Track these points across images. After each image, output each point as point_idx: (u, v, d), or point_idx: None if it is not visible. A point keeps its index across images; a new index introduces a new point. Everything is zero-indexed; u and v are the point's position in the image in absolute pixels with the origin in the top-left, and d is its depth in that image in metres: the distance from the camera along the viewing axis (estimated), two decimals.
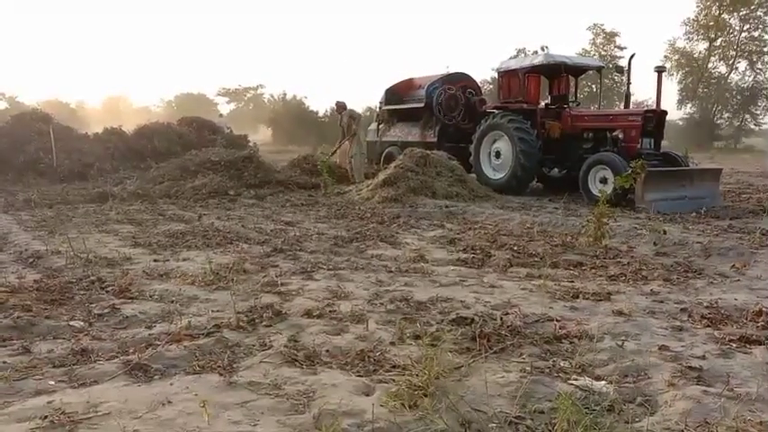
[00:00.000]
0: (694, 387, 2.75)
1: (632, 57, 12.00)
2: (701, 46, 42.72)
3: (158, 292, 4.41)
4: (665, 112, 11.35)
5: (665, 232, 6.96)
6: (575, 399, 2.55)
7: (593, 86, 35.34)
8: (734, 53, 41.82)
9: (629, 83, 12.40)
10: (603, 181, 10.43)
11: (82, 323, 3.70)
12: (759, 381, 2.78)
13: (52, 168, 13.11)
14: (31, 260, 5.52)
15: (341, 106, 14.23)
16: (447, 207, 9.47)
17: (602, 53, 43.73)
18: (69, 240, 5.88)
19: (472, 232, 7.25)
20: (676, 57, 42.91)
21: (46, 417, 2.40)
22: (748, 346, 3.32)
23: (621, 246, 6.43)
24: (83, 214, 8.77)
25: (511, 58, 17.65)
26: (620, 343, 3.33)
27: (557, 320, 3.76)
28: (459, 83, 14.45)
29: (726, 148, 36.09)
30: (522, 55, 34.11)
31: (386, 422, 2.38)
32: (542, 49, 36.75)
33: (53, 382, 2.79)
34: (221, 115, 26.54)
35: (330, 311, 3.93)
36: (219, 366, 2.98)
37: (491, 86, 32.73)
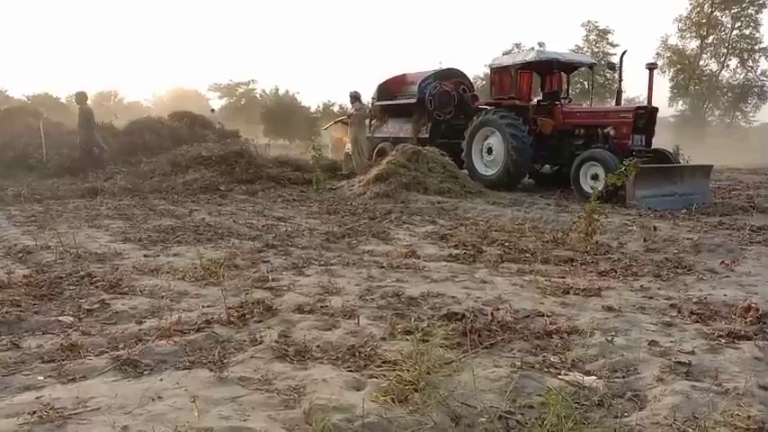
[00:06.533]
0: (683, 382, 2.77)
1: (624, 53, 12.07)
2: (693, 43, 43.02)
3: (148, 287, 4.39)
4: (657, 109, 11.40)
5: (655, 229, 7.00)
6: (564, 394, 2.56)
7: (585, 83, 35.46)
8: (725, 51, 42.09)
9: (620, 80, 12.45)
10: (595, 177, 10.47)
11: (71, 318, 3.67)
12: (747, 376, 2.80)
13: (42, 163, 13.02)
14: (20, 255, 5.49)
15: (354, 97, 14.24)
16: (439, 203, 9.48)
17: (595, 50, 43.87)
18: (59, 235, 5.85)
19: (464, 228, 7.26)
20: (668, 54, 43.17)
21: (35, 412, 2.39)
22: (737, 341, 3.34)
23: (612, 242, 6.46)
24: (73, 209, 8.72)
25: (504, 55, 17.63)
26: (609, 338, 3.34)
27: (547, 316, 3.77)
28: (452, 79, 14.45)
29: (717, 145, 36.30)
30: (516, 51, 34.15)
31: (376, 417, 2.38)
32: (539, 45, 36.83)
33: (42, 378, 2.78)
34: (213, 110, 26.45)
35: (321, 307, 3.92)
36: (210, 362, 2.98)
37: (484, 83, 32.75)
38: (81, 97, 13.30)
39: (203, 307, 3.91)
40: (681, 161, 13.45)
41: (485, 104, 13.31)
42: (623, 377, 2.87)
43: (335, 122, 15.39)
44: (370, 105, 15.49)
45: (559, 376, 2.85)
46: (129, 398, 2.55)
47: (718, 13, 41.40)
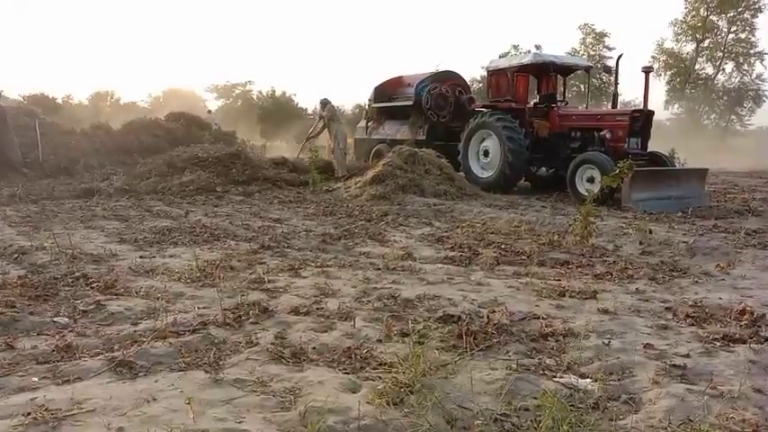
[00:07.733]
0: (678, 385, 2.78)
1: (620, 57, 12.09)
2: (689, 47, 43.08)
3: (144, 288, 4.38)
4: (652, 113, 11.44)
5: (650, 232, 7.02)
6: (560, 396, 2.56)
7: (582, 86, 35.48)
8: (721, 54, 42.19)
9: (616, 83, 12.52)
10: (591, 180, 10.48)
11: (66, 319, 3.67)
12: (742, 379, 2.81)
13: (38, 164, 12.97)
14: (15, 256, 5.46)
15: (324, 102, 14.14)
16: (435, 205, 9.48)
17: (592, 53, 43.91)
18: (54, 236, 5.83)
19: (460, 230, 7.27)
20: (664, 57, 43.22)
21: (29, 413, 2.38)
22: (732, 344, 3.35)
23: (608, 245, 6.47)
24: (68, 210, 8.69)
25: (501, 57, 17.67)
26: (605, 341, 3.35)
27: (543, 318, 3.78)
28: (448, 81, 14.46)
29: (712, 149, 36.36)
30: (512, 53, 34.20)
31: (372, 419, 2.38)
32: (536, 47, 36.88)
33: (37, 379, 2.77)
34: (210, 112, 26.46)
35: (317, 309, 3.92)
36: (205, 363, 2.97)
37: (480, 85, 32.79)
38: None
39: (199, 308, 3.91)
40: (676, 164, 13.49)
41: (481, 107, 13.33)
42: (618, 380, 2.88)
43: (306, 142, 15.01)
44: (367, 107, 15.44)
45: (555, 379, 2.86)
46: (124, 399, 2.55)
47: (713, 17, 41.46)
